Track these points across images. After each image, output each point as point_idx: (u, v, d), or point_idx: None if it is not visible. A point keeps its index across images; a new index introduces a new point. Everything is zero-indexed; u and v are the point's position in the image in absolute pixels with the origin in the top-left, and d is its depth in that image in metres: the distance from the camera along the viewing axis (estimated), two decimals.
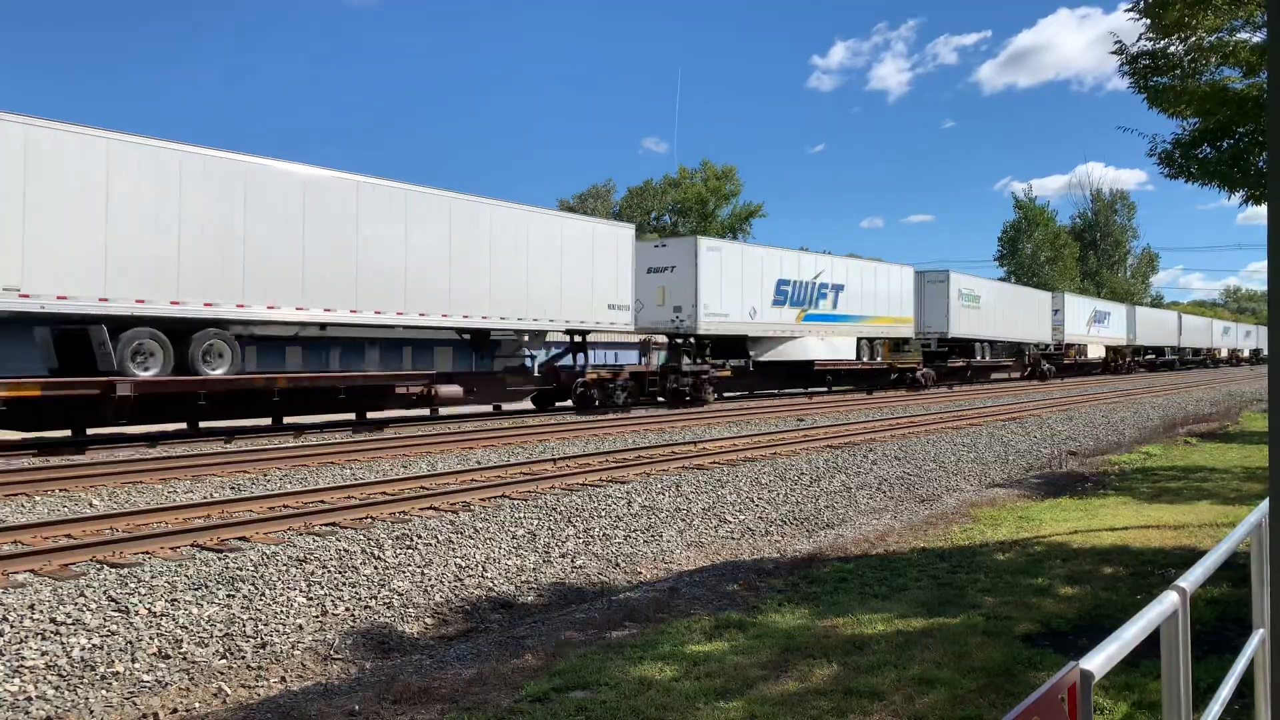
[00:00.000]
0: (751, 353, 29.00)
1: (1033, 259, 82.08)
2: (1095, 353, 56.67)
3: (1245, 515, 3.41)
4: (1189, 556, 7.82)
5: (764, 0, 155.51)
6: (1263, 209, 11.06)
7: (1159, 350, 66.61)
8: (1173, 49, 9.77)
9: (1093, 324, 54.60)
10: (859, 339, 33.83)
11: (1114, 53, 10.12)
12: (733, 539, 11.19)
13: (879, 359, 35.09)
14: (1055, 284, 71.96)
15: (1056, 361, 50.71)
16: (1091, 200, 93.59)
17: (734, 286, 27.31)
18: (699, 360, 27.27)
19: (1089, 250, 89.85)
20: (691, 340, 26.98)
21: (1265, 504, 3.23)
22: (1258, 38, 9.43)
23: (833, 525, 12.15)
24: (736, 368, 28.98)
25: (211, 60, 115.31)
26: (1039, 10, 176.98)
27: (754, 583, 8.36)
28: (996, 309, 43.00)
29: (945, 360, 39.95)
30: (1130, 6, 9.64)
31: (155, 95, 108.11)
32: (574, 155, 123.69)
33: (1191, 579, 2.56)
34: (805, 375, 32.24)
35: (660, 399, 26.20)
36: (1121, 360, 59.49)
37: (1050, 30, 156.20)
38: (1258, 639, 3.16)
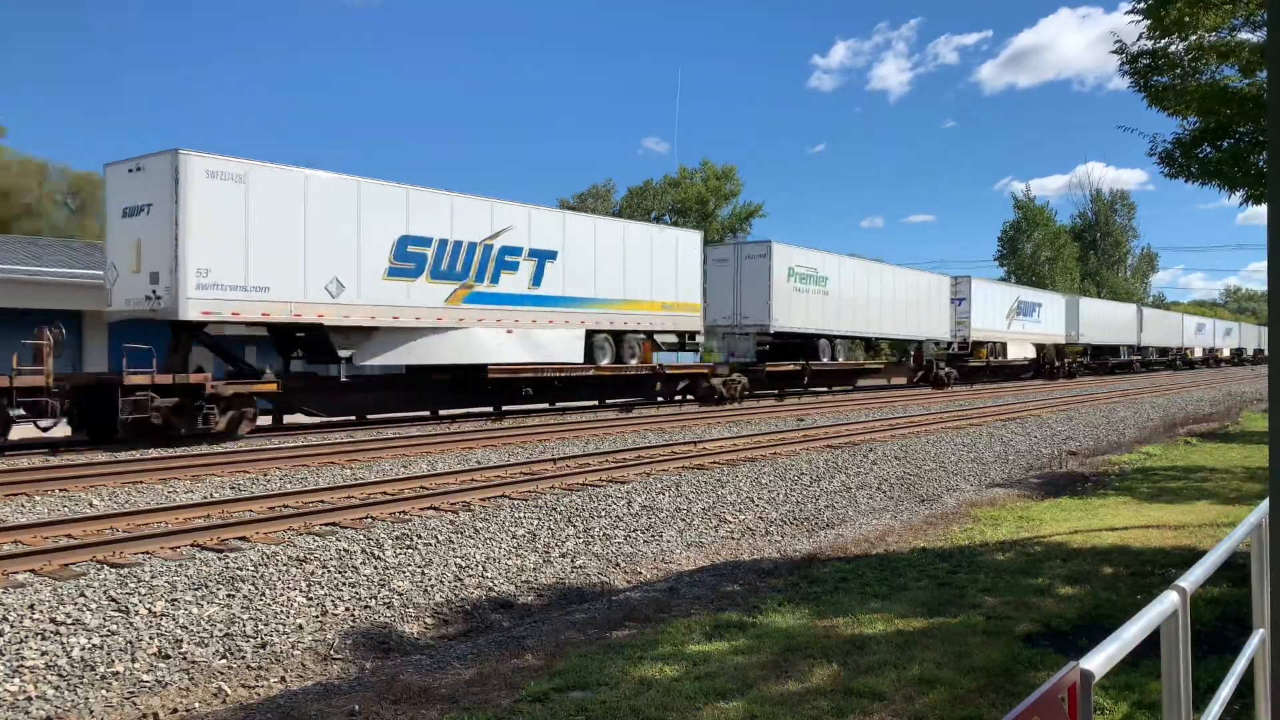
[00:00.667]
0: (344, 351, 18.34)
1: (1033, 259, 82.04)
2: (1020, 352, 46.23)
3: (1245, 515, 3.41)
4: (1189, 556, 7.82)
5: (764, 0, 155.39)
6: (1263, 209, 11.05)
7: (1114, 349, 57.29)
8: (1173, 48, 9.77)
9: (1015, 317, 45.01)
10: (590, 333, 23.58)
11: (1114, 52, 10.12)
12: (733, 539, 11.19)
13: (634, 360, 24.97)
14: (1055, 284, 71.75)
15: (961, 364, 41.00)
16: (1091, 200, 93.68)
17: (287, 242, 17.11)
18: (239, 365, 17.76)
19: (1089, 250, 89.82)
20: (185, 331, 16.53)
21: (1265, 504, 3.23)
22: (1258, 37, 9.43)
23: (833, 525, 12.15)
24: (327, 376, 19.15)
25: (210, 59, 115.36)
26: (1040, 10, 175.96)
27: (754, 583, 8.37)
28: (858, 295, 32.99)
29: (764, 362, 29.56)
30: (1131, 7, 9.64)
31: (154, 94, 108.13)
32: (574, 155, 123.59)
33: (1191, 579, 2.56)
34: (479, 386, 21.36)
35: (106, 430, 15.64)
36: (1059, 362, 49.73)
37: (1051, 30, 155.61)
38: (1258, 639, 3.16)
